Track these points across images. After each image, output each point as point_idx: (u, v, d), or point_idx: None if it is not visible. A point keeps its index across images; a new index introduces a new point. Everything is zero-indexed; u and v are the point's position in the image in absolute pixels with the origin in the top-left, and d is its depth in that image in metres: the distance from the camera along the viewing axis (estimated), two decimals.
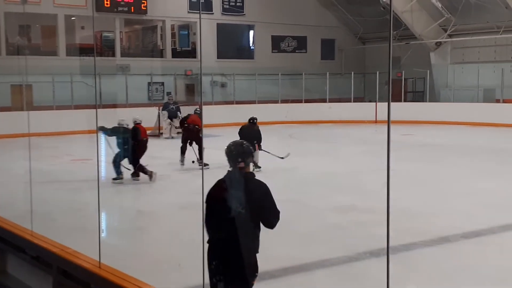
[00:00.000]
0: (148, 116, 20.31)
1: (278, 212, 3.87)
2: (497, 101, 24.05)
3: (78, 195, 10.38)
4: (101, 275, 3.45)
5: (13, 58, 21.47)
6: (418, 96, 27.65)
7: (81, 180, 11.80)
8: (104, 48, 25.58)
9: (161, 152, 16.18)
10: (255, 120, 12.40)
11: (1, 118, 17.92)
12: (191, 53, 27.47)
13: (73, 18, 24.83)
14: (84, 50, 24.30)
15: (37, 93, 21.32)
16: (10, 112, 19.84)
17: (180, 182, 11.57)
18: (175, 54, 27.22)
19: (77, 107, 21.39)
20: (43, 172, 12.04)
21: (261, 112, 24.05)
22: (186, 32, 28.49)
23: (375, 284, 5.28)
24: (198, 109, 14.56)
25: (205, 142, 13.82)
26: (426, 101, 26.03)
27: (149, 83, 25.19)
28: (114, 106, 21.45)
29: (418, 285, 5.86)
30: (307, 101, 26.12)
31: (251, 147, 4.01)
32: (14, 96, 21.45)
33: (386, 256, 2.87)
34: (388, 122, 2.89)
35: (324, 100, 26.05)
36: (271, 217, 3.86)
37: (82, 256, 3.83)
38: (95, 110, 17.08)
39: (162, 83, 25.73)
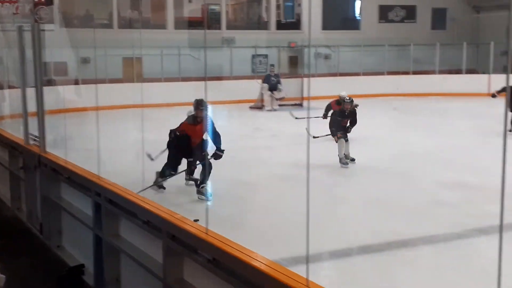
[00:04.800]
0: (250, 89, 20.54)
1: None
2: None
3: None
4: (208, 241, 3.54)
5: (124, 32, 22.36)
6: None
7: None
8: (210, 21, 26.02)
9: (264, 124, 16.36)
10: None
11: (113, 90, 18.74)
12: (296, 25, 27.29)
13: None
14: (192, 23, 24.84)
15: (146, 66, 22.14)
16: (122, 83, 20.75)
17: (282, 154, 11.60)
18: (280, 26, 27.15)
19: (184, 79, 21.97)
20: (152, 142, 12.49)
21: (366, 84, 23.81)
22: (291, 4, 28.32)
23: (484, 262, 5.06)
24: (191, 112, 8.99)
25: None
26: None
27: (253, 56, 25.38)
28: (219, 78, 21.83)
29: None
30: (415, 72, 25.22)
31: None
32: (125, 69, 22.39)
33: (497, 234, 2.71)
34: (507, 95, 2.85)
35: (433, 72, 25.04)
36: None
37: (190, 222, 3.93)
38: (201, 82, 17.43)
39: (266, 56, 25.82)
